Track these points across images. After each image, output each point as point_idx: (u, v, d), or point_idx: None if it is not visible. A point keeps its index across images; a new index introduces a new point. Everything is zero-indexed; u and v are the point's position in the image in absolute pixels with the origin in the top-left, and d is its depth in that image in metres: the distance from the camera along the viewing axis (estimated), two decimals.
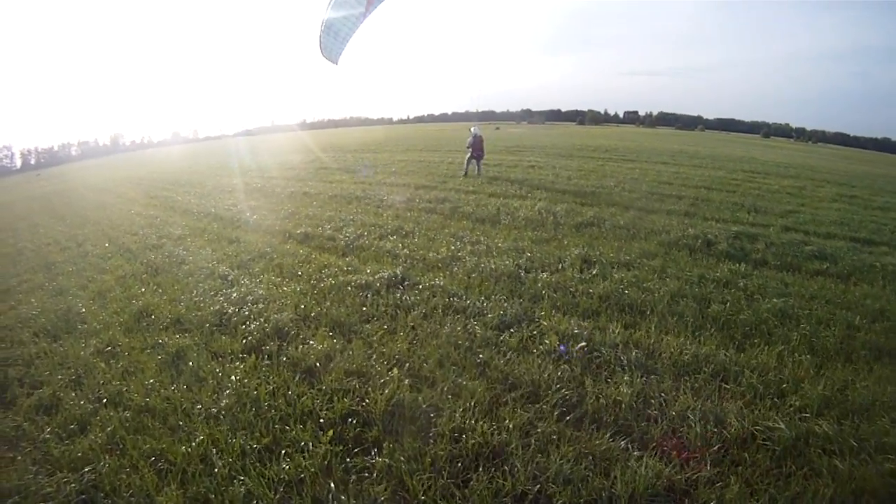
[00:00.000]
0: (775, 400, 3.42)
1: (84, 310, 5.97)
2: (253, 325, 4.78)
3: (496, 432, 3.12)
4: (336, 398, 3.55)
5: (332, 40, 9.71)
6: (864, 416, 3.24)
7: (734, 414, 3.21)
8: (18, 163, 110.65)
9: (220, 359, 4.30)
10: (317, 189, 14.31)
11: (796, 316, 4.85)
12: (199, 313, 5.25)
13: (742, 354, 4.05)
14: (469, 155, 15.06)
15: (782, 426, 3.06)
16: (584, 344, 4.10)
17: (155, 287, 6.51)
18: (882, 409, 3.32)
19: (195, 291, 6.03)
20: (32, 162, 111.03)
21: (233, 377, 3.92)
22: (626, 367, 3.80)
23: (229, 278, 6.46)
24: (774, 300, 5.19)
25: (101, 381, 4.18)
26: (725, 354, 4.00)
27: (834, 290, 5.69)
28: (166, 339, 4.76)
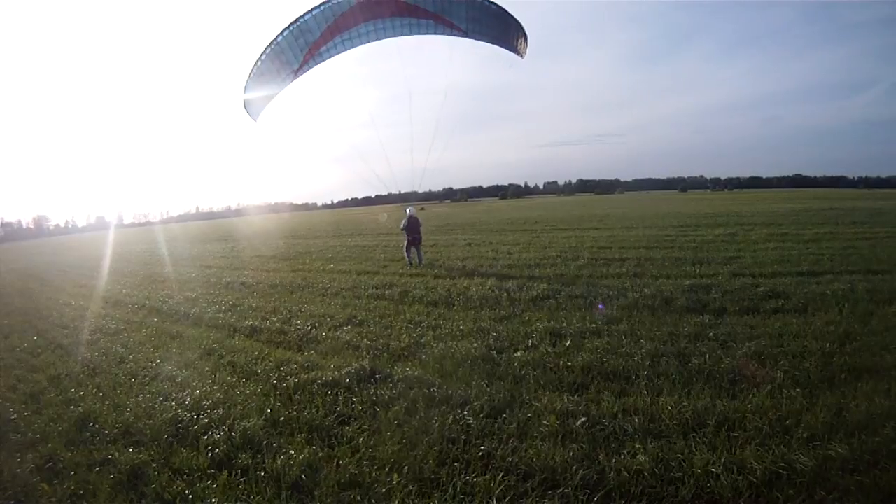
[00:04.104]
0: (785, 437, 3.93)
1: (16, 416, 5.78)
2: (217, 435, 4.70)
3: None
4: None
5: (257, 95, 10.17)
6: (867, 431, 3.86)
7: (753, 458, 3.63)
8: None
9: (186, 477, 4.13)
10: (255, 278, 14.87)
11: (772, 355, 5.65)
12: (151, 422, 5.14)
13: (736, 401, 4.60)
14: (406, 241, 15.09)
15: (803, 458, 3.55)
16: (584, 419, 4.39)
17: (94, 390, 6.37)
18: (879, 420, 4.00)
19: (142, 395, 5.95)
20: None
21: (211, 500, 3.75)
22: (632, 436, 4.13)
23: (178, 380, 6.41)
24: (748, 344, 6.02)
25: None
26: (722, 404, 4.52)
27: (797, 325, 6.71)
28: (116, 453, 4.57)
